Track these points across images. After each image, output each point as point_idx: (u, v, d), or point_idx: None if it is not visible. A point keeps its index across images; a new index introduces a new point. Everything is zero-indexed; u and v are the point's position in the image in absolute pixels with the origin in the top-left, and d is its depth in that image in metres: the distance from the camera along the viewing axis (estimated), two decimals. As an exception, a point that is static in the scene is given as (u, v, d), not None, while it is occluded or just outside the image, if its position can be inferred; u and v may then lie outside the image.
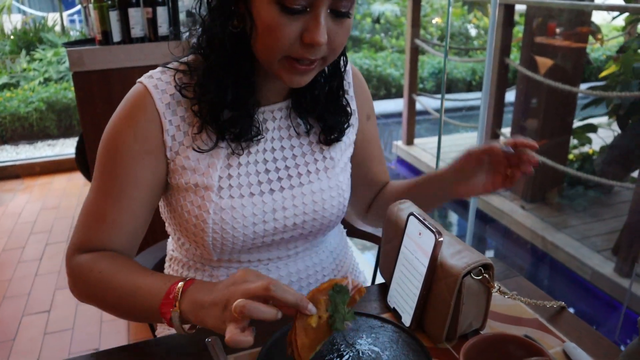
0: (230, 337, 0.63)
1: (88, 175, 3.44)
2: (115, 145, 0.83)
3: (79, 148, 3.44)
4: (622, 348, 0.78)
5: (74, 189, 3.78)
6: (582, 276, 3.02)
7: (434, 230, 0.77)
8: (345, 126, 0.95)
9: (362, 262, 1.21)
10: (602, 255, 3.08)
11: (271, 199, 0.88)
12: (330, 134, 0.93)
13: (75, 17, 9.04)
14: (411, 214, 0.83)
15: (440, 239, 0.77)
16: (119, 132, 0.83)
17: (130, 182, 0.83)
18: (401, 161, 4.88)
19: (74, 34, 7.05)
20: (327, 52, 0.77)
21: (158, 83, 0.83)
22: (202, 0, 0.81)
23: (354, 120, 1.00)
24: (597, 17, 3.74)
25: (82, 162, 3.48)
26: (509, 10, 3.43)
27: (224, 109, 0.82)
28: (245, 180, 0.87)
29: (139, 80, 0.85)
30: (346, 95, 0.96)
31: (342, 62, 0.92)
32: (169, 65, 0.85)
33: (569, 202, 3.58)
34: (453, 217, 4.16)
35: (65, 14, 7.85)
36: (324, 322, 0.69)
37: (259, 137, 0.87)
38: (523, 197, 3.67)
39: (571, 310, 2.81)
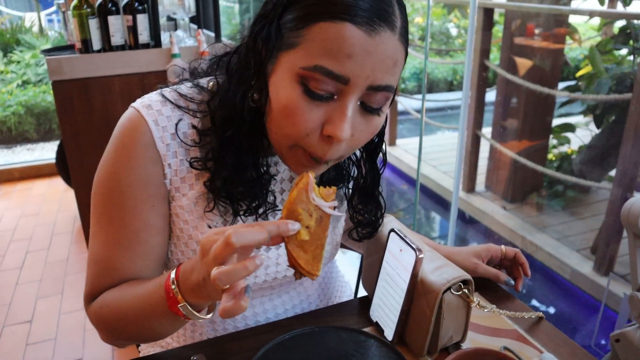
0: (220, 309, 0.57)
1: (69, 181, 3.41)
2: (119, 190, 0.76)
3: (60, 153, 3.40)
4: (599, 356, 0.80)
5: (54, 195, 3.74)
6: (562, 275, 3.07)
7: (415, 247, 0.79)
8: (379, 221, 0.90)
9: (348, 272, 1.22)
10: (581, 254, 3.14)
11: (266, 256, 0.85)
12: (360, 230, 0.88)
13: (54, 16, 8.90)
14: (392, 230, 0.85)
15: (420, 256, 0.78)
16: (123, 174, 0.75)
17: (141, 229, 0.77)
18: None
19: (52, 35, 6.95)
20: (346, 151, 0.69)
21: (159, 118, 0.75)
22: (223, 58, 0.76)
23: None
24: (575, 17, 3.80)
25: (63, 167, 3.45)
26: (488, 13, 3.47)
27: (239, 186, 0.75)
28: None
29: (135, 106, 0.77)
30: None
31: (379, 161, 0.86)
32: (166, 94, 0.78)
33: (548, 202, 3.64)
34: (435, 218, 4.21)
35: (43, 13, 7.73)
36: (314, 228, 0.64)
37: (276, 208, 0.81)
38: (504, 198, 3.72)
39: (552, 309, 2.83)
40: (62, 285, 2.62)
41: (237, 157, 0.74)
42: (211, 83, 0.79)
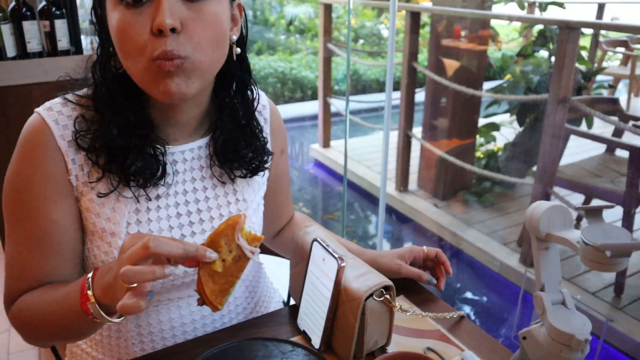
0: (119, 305, 0.61)
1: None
2: (24, 190, 0.78)
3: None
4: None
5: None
6: (491, 269, 3.21)
7: (337, 256, 0.80)
8: (264, 164, 0.93)
9: (277, 278, 1.23)
10: (508, 247, 3.29)
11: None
12: (246, 170, 0.91)
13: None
14: (315, 239, 0.86)
15: (342, 265, 0.79)
16: (25, 174, 0.78)
17: (49, 226, 0.79)
18: (318, 164, 4.95)
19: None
20: (190, 49, 0.70)
21: (59, 118, 0.78)
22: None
23: (268, 159, 0.98)
24: (498, 20, 3.98)
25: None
26: (415, 17, 3.57)
27: (126, 156, 0.78)
28: (155, 226, 0.84)
29: (37, 110, 0.80)
30: (264, 134, 0.94)
31: (250, 94, 0.90)
32: (68, 97, 0.81)
33: (477, 199, 3.78)
34: (371, 218, 4.28)
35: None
36: (230, 264, 0.67)
37: (165, 180, 0.84)
38: (435, 196, 3.83)
39: (484, 301, 2.94)
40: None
41: (110, 125, 0.77)
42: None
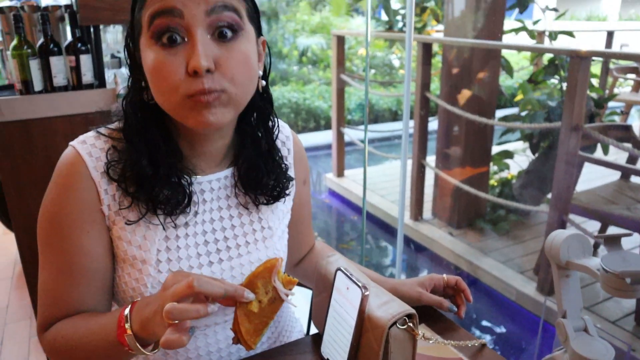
0: (163, 340, 0.63)
1: (8, 224, 3.27)
2: (58, 219, 0.81)
3: (-2, 194, 3.28)
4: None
5: (-8, 238, 3.57)
6: (508, 297, 3.18)
7: (360, 285, 0.82)
8: (286, 190, 0.96)
9: (297, 308, 1.23)
10: (525, 275, 3.26)
11: (210, 272, 0.89)
12: (269, 197, 0.94)
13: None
14: (338, 268, 0.88)
15: (366, 293, 0.81)
16: (59, 204, 0.81)
17: (81, 255, 0.82)
18: (332, 193, 4.97)
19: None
20: (226, 83, 0.74)
21: (92, 150, 0.82)
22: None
23: (291, 187, 1.01)
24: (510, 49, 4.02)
25: (1, 210, 3.31)
26: (426, 48, 3.63)
27: (154, 185, 0.81)
28: (184, 254, 0.87)
29: (71, 144, 0.84)
30: (285, 162, 0.97)
31: (271, 123, 0.93)
32: (100, 130, 0.85)
33: (492, 227, 3.77)
34: (386, 247, 4.27)
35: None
36: (265, 305, 0.70)
37: (191, 208, 0.87)
38: (450, 224, 3.83)
39: (501, 330, 2.91)
40: (2, 334, 2.49)
41: (140, 156, 0.80)
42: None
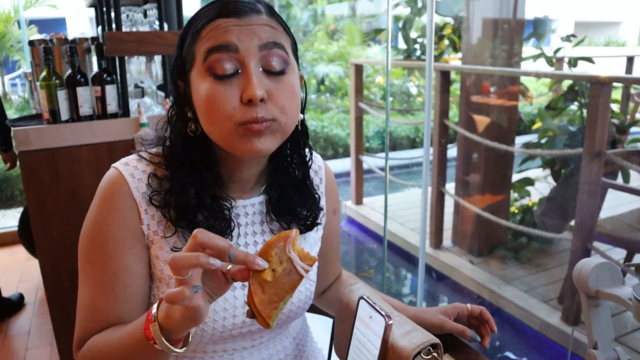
0: (165, 294, 0.62)
1: (31, 250, 3.32)
2: (101, 237, 0.84)
3: (23, 220, 3.33)
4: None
5: (15, 264, 3.62)
6: (531, 327, 3.11)
7: (384, 313, 0.81)
8: (317, 220, 0.97)
9: (320, 338, 1.23)
10: (548, 305, 3.20)
11: (242, 294, 0.90)
12: (302, 226, 0.95)
13: (17, 80, 8.90)
14: (361, 297, 0.87)
15: (390, 322, 0.80)
16: (102, 222, 0.84)
17: (122, 272, 0.84)
18: (351, 221, 4.96)
19: (16, 100, 6.92)
20: (277, 113, 0.78)
21: (134, 172, 0.85)
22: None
23: (322, 217, 1.02)
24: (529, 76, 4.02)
25: (26, 236, 3.36)
26: (445, 76, 3.65)
27: (196, 213, 0.83)
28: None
29: (114, 165, 0.87)
30: (318, 191, 0.99)
31: (306, 152, 0.95)
32: (142, 154, 0.88)
33: (514, 254, 3.72)
34: (405, 275, 4.23)
35: (6, 78, 7.72)
36: (280, 275, 0.66)
37: (231, 231, 0.88)
38: (471, 252, 3.78)
39: (525, 359, 2.84)
40: (23, 361, 2.51)
41: (186, 185, 0.83)
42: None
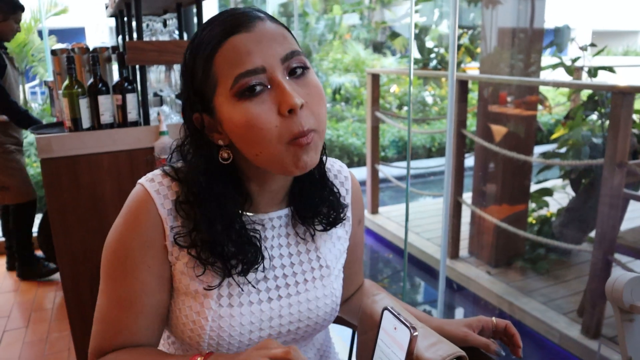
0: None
1: (50, 254, 3.35)
2: (124, 252, 0.84)
3: (42, 226, 3.36)
4: None
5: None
6: (550, 340, 3.06)
7: (409, 325, 0.80)
8: (341, 215, 0.97)
9: (342, 350, 1.22)
10: (568, 317, 3.15)
11: (269, 308, 0.89)
12: (325, 224, 0.95)
13: (37, 89, 9.05)
14: (385, 308, 0.86)
15: (415, 334, 0.79)
16: (127, 238, 0.84)
17: (141, 290, 0.85)
18: (367, 230, 4.94)
19: (36, 108, 7.03)
20: (314, 121, 0.78)
21: (160, 188, 0.85)
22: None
23: (347, 227, 1.02)
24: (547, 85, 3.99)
25: (44, 241, 3.40)
26: (462, 85, 3.64)
27: (226, 248, 0.83)
28: (246, 289, 0.88)
29: (140, 182, 0.87)
30: (343, 201, 0.98)
31: (324, 160, 0.95)
32: (166, 170, 0.87)
33: (532, 265, 3.67)
34: (421, 285, 4.19)
35: (26, 87, 7.85)
36: None
37: (262, 260, 0.88)
38: (488, 263, 3.74)
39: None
40: (41, 366, 2.52)
41: (219, 220, 0.82)
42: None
